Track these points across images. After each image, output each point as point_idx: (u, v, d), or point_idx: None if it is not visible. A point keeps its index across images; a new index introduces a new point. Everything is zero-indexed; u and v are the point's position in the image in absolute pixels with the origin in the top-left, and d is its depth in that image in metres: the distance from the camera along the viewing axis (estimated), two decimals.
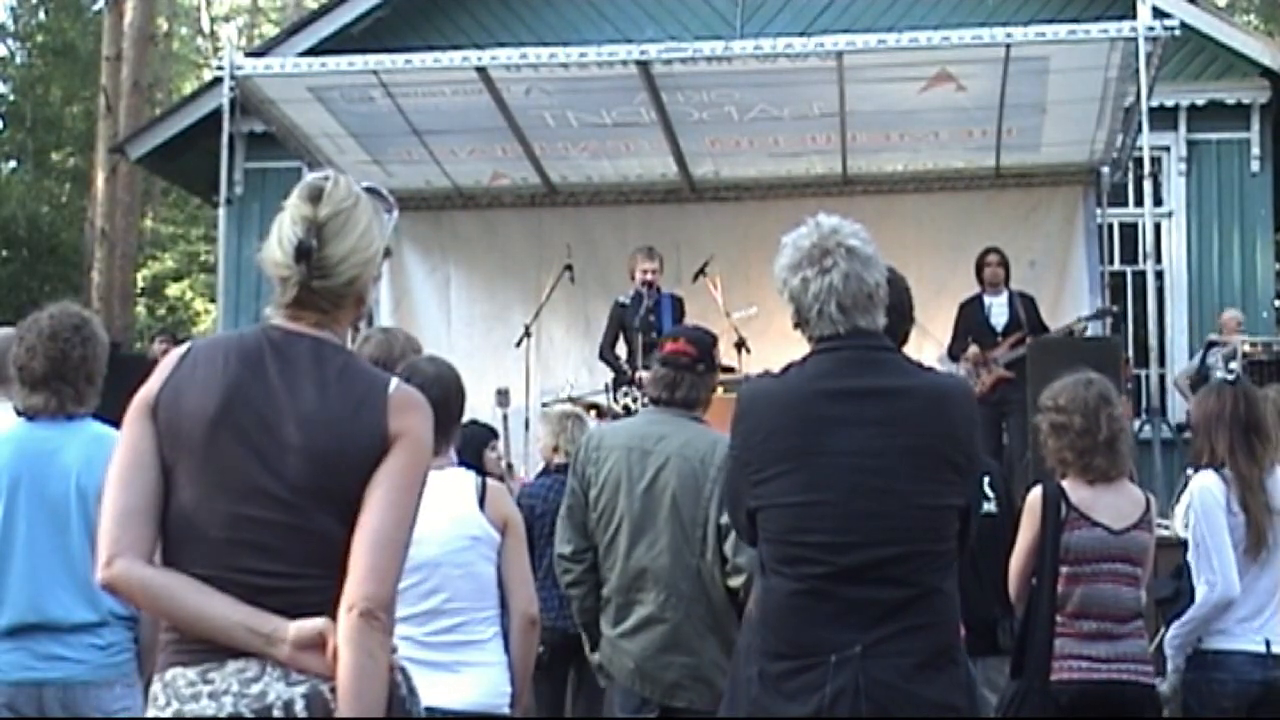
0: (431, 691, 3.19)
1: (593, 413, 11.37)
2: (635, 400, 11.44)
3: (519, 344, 12.86)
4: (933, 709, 3.72)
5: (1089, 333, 12.26)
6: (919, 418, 3.84)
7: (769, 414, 3.98)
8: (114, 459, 3.09)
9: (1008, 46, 11.06)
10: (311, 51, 14.62)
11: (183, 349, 3.17)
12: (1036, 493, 5.75)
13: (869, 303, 3.95)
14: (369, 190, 3.25)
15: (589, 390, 12.35)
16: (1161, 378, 14.16)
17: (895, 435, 3.81)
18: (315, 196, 3.13)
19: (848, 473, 3.80)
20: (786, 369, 4.07)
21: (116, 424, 3.30)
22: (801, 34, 13.31)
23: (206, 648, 2.98)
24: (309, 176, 3.22)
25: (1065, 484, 5.71)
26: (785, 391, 4.01)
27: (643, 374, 11.27)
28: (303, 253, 3.08)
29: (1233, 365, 10.63)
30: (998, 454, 11.29)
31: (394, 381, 3.17)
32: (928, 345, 11.90)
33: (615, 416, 11.02)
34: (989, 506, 6.74)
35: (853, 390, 3.87)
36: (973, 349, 12.15)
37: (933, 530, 3.82)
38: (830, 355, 3.96)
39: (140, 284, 29.78)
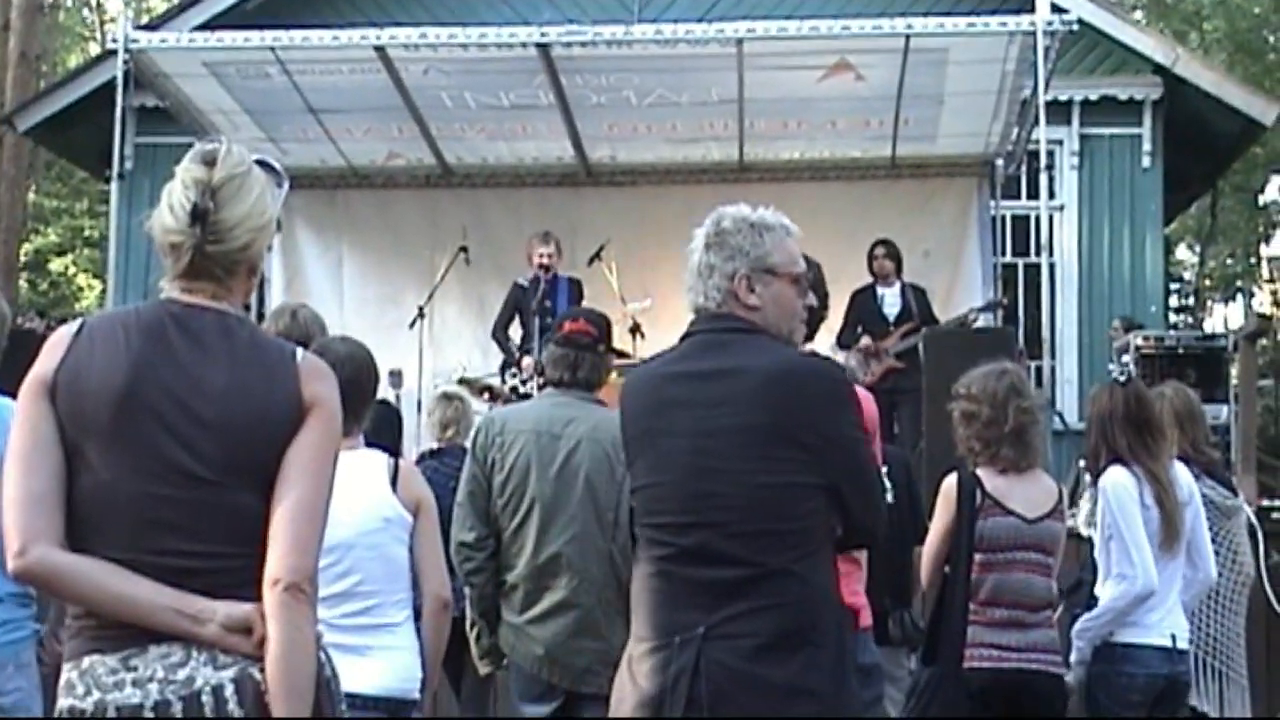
0: (342, 675, 3.15)
1: (485, 395, 11.31)
2: (524, 383, 11.39)
3: (412, 325, 12.85)
4: (781, 692, 3.68)
5: (980, 323, 12.33)
6: (754, 396, 3.81)
7: (629, 399, 4.09)
8: (11, 443, 3.01)
9: (907, 37, 11.13)
10: (205, 26, 14.40)
11: (74, 326, 3.09)
12: (951, 480, 5.77)
13: (697, 280, 3.99)
14: (260, 163, 3.22)
15: (483, 372, 12.25)
16: (1053, 369, 14.34)
17: (728, 414, 3.81)
18: (209, 160, 3.09)
19: (685, 454, 3.83)
20: (654, 357, 4.16)
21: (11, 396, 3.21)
22: (700, 20, 13.34)
23: (126, 633, 2.91)
24: (201, 144, 3.18)
25: (980, 472, 5.74)
26: (642, 377, 4.13)
27: (529, 359, 11.28)
28: (197, 215, 3.03)
29: (1125, 359, 10.74)
30: (889, 442, 11.33)
31: (299, 350, 3.14)
32: (821, 333, 11.88)
33: (507, 400, 10.96)
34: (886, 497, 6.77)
35: (693, 373, 3.91)
36: (865, 339, 12.21)
37: (772, 509, 3.77)
38: (685, 340, 4.04)
39: (22, 258, 29.27)
